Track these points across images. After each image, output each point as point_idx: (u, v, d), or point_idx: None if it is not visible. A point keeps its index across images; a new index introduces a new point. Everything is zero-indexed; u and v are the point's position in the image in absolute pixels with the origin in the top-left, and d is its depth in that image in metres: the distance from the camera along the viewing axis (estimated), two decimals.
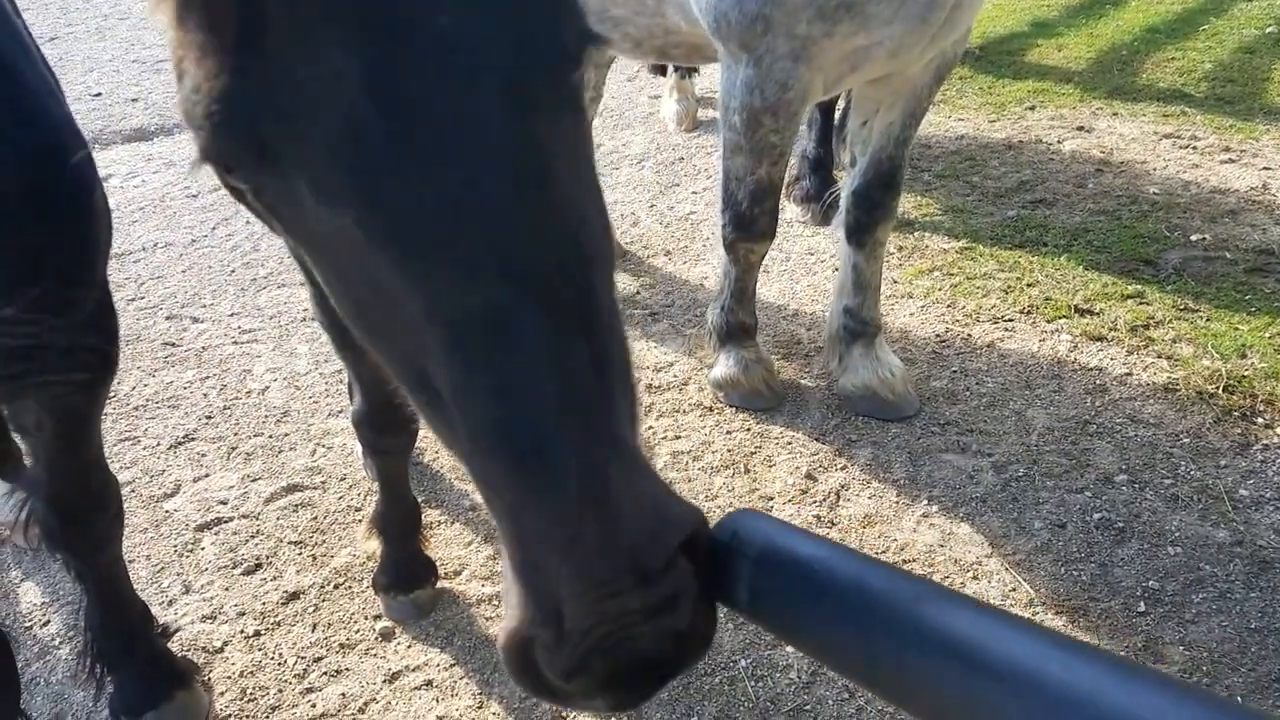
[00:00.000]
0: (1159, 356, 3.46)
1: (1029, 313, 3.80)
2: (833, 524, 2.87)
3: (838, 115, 4.72)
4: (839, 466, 3.11)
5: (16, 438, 2.89)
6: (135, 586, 2.38)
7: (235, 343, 3.95)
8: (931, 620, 0.74)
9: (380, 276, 0.82)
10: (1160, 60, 6.15)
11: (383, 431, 2.38)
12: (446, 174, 0.79)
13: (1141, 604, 2.53)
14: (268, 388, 3.65)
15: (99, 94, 7.03)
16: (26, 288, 1.60)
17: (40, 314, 1.61)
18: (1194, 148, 5.01)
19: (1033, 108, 5.72)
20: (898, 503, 2.94)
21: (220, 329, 4.06)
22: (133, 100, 6.89)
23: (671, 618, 0.79)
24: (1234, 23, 6.62)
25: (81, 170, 1.73)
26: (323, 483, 3.15)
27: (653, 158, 5.59)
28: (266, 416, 3.48)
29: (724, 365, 3.44)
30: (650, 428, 3.36)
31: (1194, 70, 5.93)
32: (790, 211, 4.68)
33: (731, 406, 3.43)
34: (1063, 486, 2.95)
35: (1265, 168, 4.70)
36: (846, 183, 3.28)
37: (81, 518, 2.06)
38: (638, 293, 4.20)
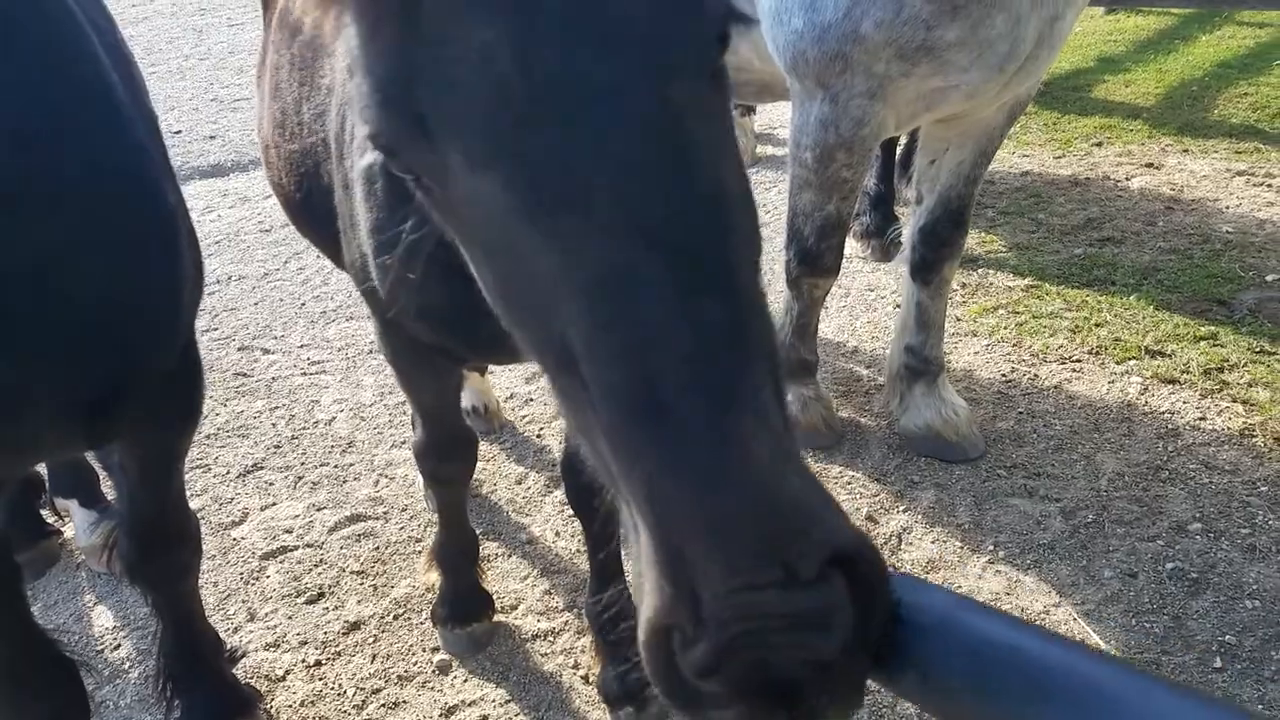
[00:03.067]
0: (1234, 401, 3.35)
1: (1098, 353, 3.71)
2: (894, 569, 2.82)
3: (899, 151, 4.71)
4: (901, 509, 3.06)
5: (98, 466, 3.00)
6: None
7: (304, 374, 4.06)
8: None
9: (524, 243, 0.84)
10: (1232, 96, 6.01)
11: (443, 460, 2.43)
12: (589, 137, 0.80)
13: (1217, 659, 2.43)
14: (334, 418, 3.73)
15: (179, 131, 7.33)
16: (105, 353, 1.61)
17: (124, 370, 1.64)
18: (1269, 185, 4.88)
19: (1099, 144, 5.63)
20: (962, 548, 2.88)
21: (290, 360, 4.17)
22: (210, 138, 7.17)
23: (819, 639, 0.71)
24: None
25: (170, 223, 1.72)
26: (385, 513, 3.20)
27: None
28: (332, 447, 3.56)
29: None
30: None
31: (1268, 106, 5.78)
32: (850, 247, 4.66)
33: None
34: (1134, 534, 2.86)
35: None
36: (912, 220, 3.26)
37: (161, 552, 2.12)
38: None
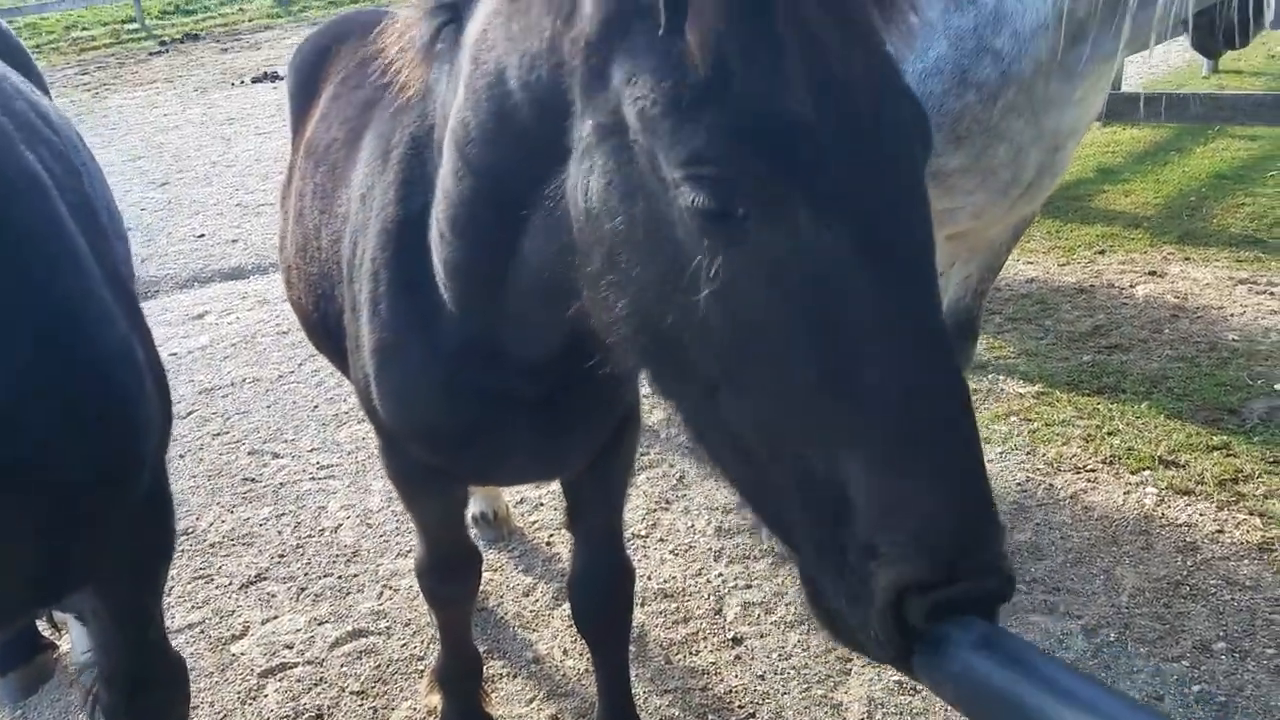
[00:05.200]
0: (1250, 513, 3.29)
1: (1111, 463, 3.68)
2: (915, 691, 2.74)
3: None
4: None
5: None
6: None
7: (313, 479, 4.05)
8: None
9: (846, 287, 0.98)
10: (1230, 206, 6.11)
11: (444, 582, 2.39)
12: (902, 197, 1.04)
13: None
14: (340, 525, 3.71)
15: (202, 235, 7.53)
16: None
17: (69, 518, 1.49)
18: (1271, 293, 4.91)
19: (1102, 252, 5.71)
20: None
21: (299, 465, 4.17)
22: (233, 241, 7.35)
23: (998, 593, 0.96)
24: None
25: (110, 355, 1.55)
26: (387, 628, 3.14)
27: None
28: (337, 556, 3.52)
29: None
30: (720, 574, 3.30)
31: (1265, 215, 5.87)
32: None
33: None
34: (1157, 654, 2.78)
35: None
36: None
37: (144, 700, 1.91)
38: None
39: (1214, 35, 2.68)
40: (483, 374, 1.68)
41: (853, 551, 0.96)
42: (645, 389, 4.91)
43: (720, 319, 1.02)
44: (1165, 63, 9.32)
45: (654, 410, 4.39)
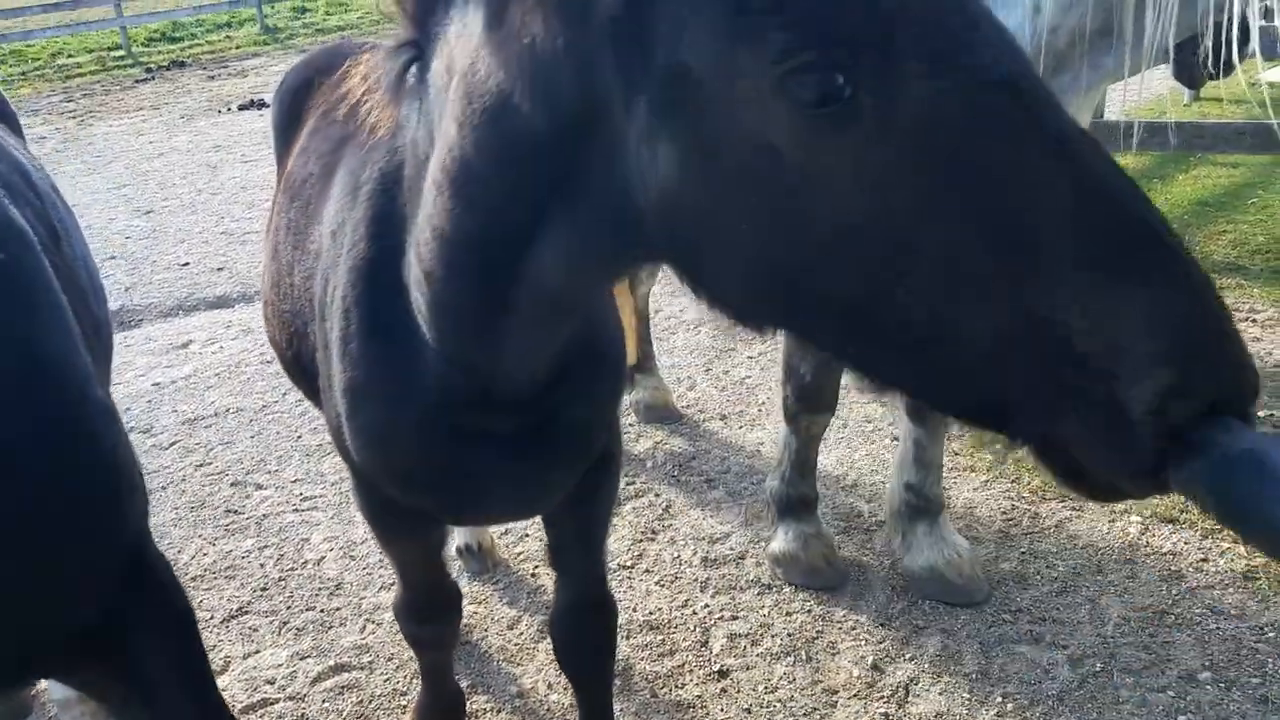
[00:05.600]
0: (1234, 541, 3.30)
1: None
2: None
3: None
4: (907, 656, 2.98)
5: None
6: None
7: (296, 510, 4.01)
8: None
9: (973, 143, 0.95)
10: (1212, 234, 6.18)
11: (424, 623, 2.35)
12: (1012, 54, 0.99)
13: None
14: (323, 558, 3.67)
15: (186, 263, 7.50)
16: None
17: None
18: (1253, 319, 4.96)
19: None
20: (970, 700, 2.79)
21: (282, 496, 4.13)
22: (218, 269, 7.33)
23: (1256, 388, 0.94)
24: None
25: (95, 414, 1.46)
26: (370, 662, 3.11)
27: (709, 322, 5.70)
28: (320, 589, 3.49)
29: (782, 540, 3.38)
30: (706, 606, 3.28)
31: (1246, 242, 5.94)
32: (847, 379, 4.69)
33: (791, 584, 3.34)
34: (1143, 684, 2.77)
35: None
36: None
37: None
38: (694, 458, 4.20)
39: (1197, 66, 2.72)
40: (462, 413, 1.65)
41: (1093, 385, 0.91)
42: (632, 424, 4.83)
43: (867, 215, 0.97)
44: (1148, 90, 9.44)
45: (639, 439, 4.38)
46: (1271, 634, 2.89)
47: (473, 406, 1.64)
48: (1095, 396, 0.91)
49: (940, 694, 2.82)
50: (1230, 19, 2.30)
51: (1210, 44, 2.44)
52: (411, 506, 1.91)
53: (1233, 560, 3.22)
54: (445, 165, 1.34)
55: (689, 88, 1.03)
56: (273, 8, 22.45)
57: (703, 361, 5.14)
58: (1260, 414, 4.01)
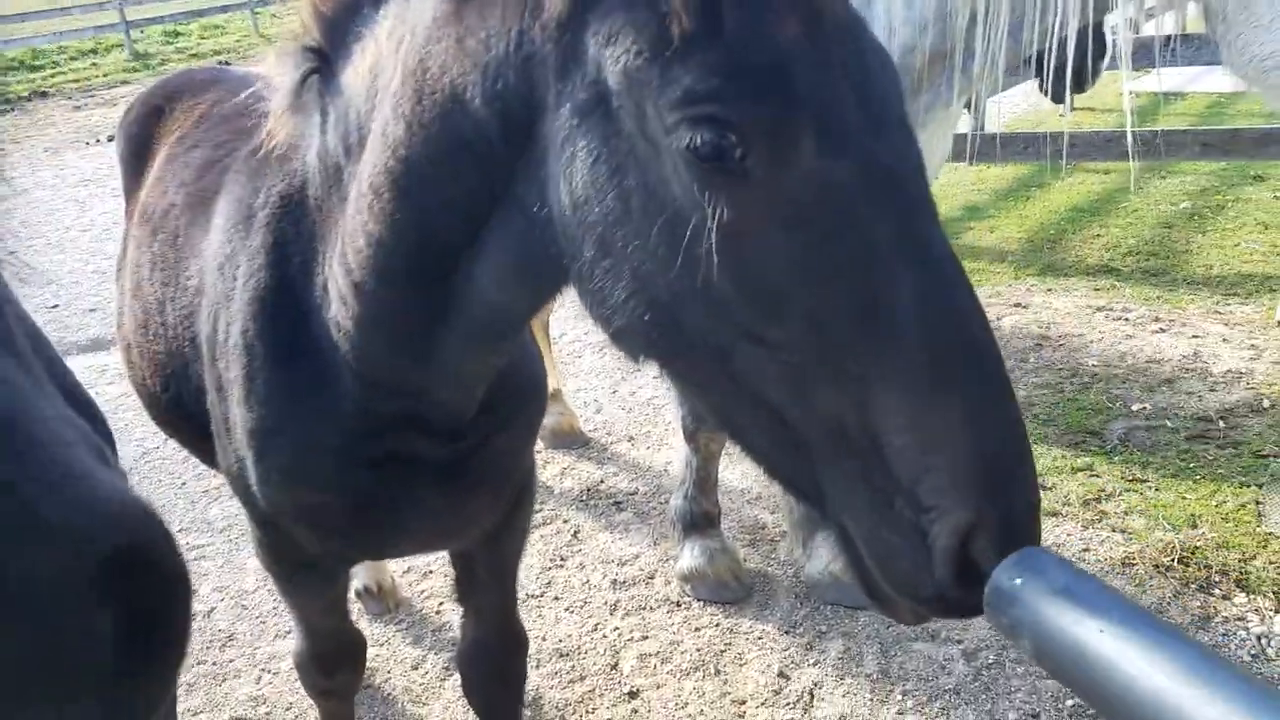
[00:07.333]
0: (1113, 530, 3.48)
1: None
2: None
3: None
4: (811, 661, 3.02)
5: None
6: None
7: None
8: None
9: (853, 219, 0.97)
10: (1087, 238, 6.53)
11: (328, 673, 2.26)
12: (903, 143, 1.04)
13: None
14: (214, 609, 3.50)
15: (56, 306, 7.10)
16: None
17: None
18: (1126, 319, 5.24)
19: None
20: (872, 699, 2.84)
21: None
22: (90, 310, 6.96)
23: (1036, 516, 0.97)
24: (1151, 200, 7.08)
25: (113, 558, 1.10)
26: (267, 714, 2.97)
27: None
28: (211, 642, 3.32)
29: (689, 557, 3.39)
30: (616, 628, 3.25)
31: (1119, 245, 6.29)
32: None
33: (700, 600, 3.35)
34: (1033, 673, 2.87)
35: (1194, 336, 4.91)
36: None
37: None
38: (602, 481, 4.18)
39: (1060, 81, 2.87)
40: (387, 439, 1.58)
41: (899, 500, 0.95)
42: (539, 450, 4.82)
43: (729, 272, 0.99)
44: (1027, 102, 9.95)
45: (546, 465, 4.34)
46: None
47: (398, 430, 1.57)
48: (900, 513, 0.95)
49: (844, 696, 2.86)
50: (1065, 41, 2.42)
51: (1054, 63, 2.58)
52: (320, 549, 1.82)
53: (1112, 549, 3.38)
54: (387, 168, 1.29)
55: (606, 102, 1.05)
56: (142, 32, 21.60)
57: (609, 384, 5.13)
58: (1134, 407, 4.25)
